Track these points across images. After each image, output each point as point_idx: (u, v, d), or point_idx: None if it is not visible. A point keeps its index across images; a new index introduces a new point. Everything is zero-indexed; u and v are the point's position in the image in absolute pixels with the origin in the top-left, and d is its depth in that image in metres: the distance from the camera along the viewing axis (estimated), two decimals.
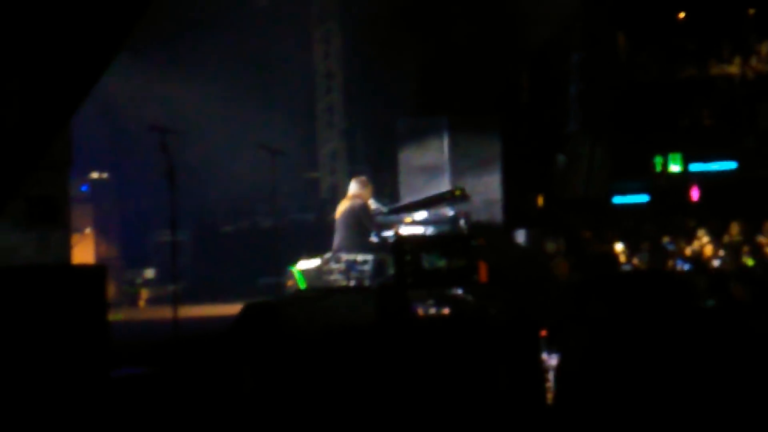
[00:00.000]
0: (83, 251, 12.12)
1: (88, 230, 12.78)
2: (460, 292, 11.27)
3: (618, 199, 19.31)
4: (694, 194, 18.98)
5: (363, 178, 11.65)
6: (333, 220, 11.39)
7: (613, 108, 18.36)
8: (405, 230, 11.65)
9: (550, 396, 4.13)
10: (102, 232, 13.08)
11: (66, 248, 7.32)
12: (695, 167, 19.06)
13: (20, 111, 4.92)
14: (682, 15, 19.94)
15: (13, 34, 4.91)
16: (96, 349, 5.26)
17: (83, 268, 7.12)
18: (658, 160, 19.29)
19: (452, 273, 9.50)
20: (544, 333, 4.50)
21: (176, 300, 8.49)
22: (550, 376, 4.28)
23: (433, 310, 9.35)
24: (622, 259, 13.50)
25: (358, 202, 11.04)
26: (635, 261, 13.21)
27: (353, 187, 11.29)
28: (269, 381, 5.62)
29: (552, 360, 4.35)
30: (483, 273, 9.94)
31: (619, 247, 14.07)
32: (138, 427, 4.89)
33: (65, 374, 5.06)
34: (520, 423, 4.01)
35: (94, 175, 13.26)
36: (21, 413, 4.90)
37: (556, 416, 3.83)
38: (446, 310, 9.26)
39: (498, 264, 10.98)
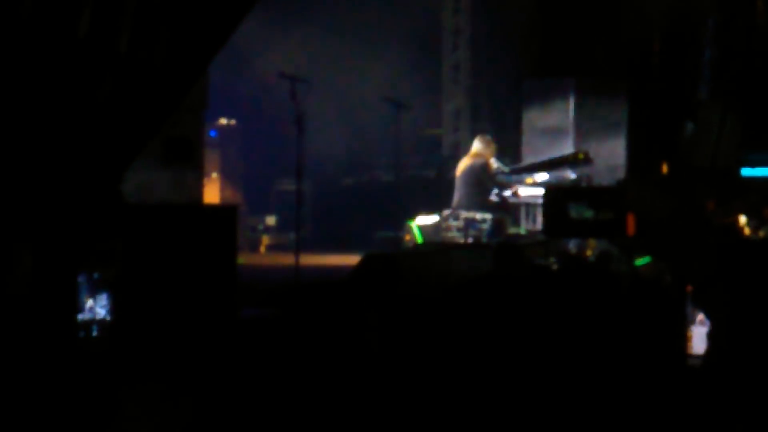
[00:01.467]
0: (209, 195, 12.41)
1: (214, 174, 13.07)
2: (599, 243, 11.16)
3: (747, 171, 18.78)
4: None
5: (487, 137, 11.63)
6: (453, 177, 11.41)
7: (747, 76, 17.81)
8: (525, 191, 11.60)
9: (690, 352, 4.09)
10: (227, 177, 13.36)
11: (199, 188, 7.52)
12: None
13: (166, 54, 5.08)
14: None
15: None
16: (227, 287, 5.42)
17: (217, 208, 7.33)
18: None
19: (599, 224, 9.42)
20: (689, 289, 4.44)
21: (297, 247, 8.65)
22: (695, 331, 4.23)
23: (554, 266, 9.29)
24: (746, 232, 13.16)
25: (480, 160, 11.04)
26: (761, 234, 12.86)
27: (476, 145, 11.28)
28: (389, 329, 5.69)
29: (698, 317, 4.30)
30: (631, 226, 9.82)
31: (743, 219, 13.72)
32: (264, 367, 5.02)
33: (199, 310, 5.23)
34: (658, 381, 3.98)
35: (223, 121, 13.52)
36: (156, 346, 5.09)
37: (701, 375, 3.80)
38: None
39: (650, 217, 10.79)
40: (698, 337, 4.62)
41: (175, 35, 5.08)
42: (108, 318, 5.80)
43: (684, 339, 4.29)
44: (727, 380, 3.40)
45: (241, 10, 5.43)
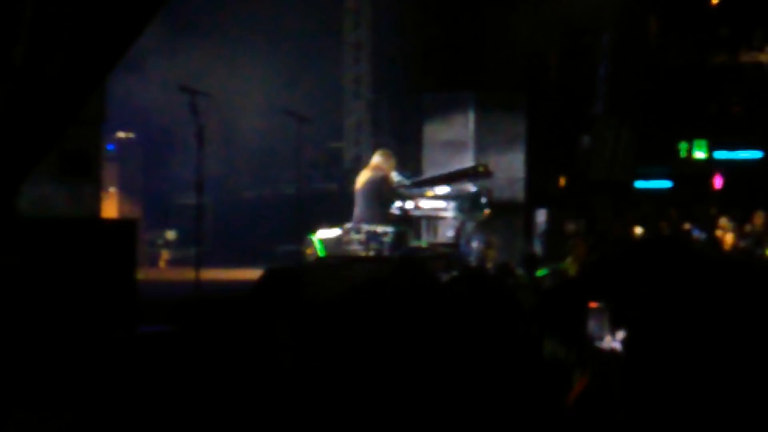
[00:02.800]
0: (108, 209, 12.19)
1: (112, 189, 12.85)
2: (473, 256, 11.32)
3: (641, 184, 19.25)
4: (717, 182, 18.92)
5: (387, 150, 11.67)
6: (354, 191, 11.43)
7: (640, 91, 18.28)
8: (426, 204, 11.68)
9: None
10: (126, 191, 13.14)
11: (97, 202, 7.39)
12: (720, 155, 18.99)
13: (62, 65, 4.98)
14: (715, 1, 19.80)
15: None
16: (125, 303, 5.32)
17: (115, 222, 7.20)
18: (683, 146, 19.22)
19: None
20: (593, 305, 4.48)
21: (198, 262, 8.54)
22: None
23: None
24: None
25: (380, 173, 11.06)
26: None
27: (376, 159, 11.31)
28: (293, 343, 5.65)
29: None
30: None
31: (639, 230, 14.07)
32: (163, 383, 4.94)
33: (94, 326, 5.12)
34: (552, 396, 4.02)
35: (121, 134, 13.31)
36: (49, 363, 4.96)
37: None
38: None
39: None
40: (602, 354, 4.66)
41: (72, 47, 4.98)
42: None
43: (578, 356, 4.35)
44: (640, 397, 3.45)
45: (140, 23, 5.35)
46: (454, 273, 9.54)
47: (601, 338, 4.39)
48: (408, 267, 7.11)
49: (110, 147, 13.08)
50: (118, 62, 5.37)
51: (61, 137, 5.35)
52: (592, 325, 4.49)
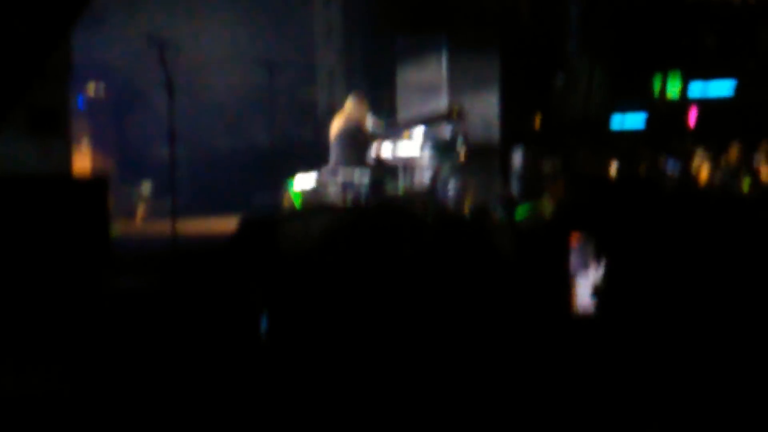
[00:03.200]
0: (80, 164, 12.08)
1: (84, 143, 12.72)
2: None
3: (616, 121, 19.24)
4: (692, 119, 18.94)
5: (359, 94, 11.61)
6: (328, 138, 11.37)
7: (613, 28, 18.20)
8: (401, 149, 11.65)
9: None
10: (99, 146, 13.03)
11: (67, 159, 7.29)
12: (695, 87, 18.96)
13: (23, 19, 4.88)
14: None
15: None
16: (98, 260, 5.28)
17: (85, 180, 7.12)
18: (657, 81, 19.18)
19: None
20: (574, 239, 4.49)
21: (173, 214, 8.49)
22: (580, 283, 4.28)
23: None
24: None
25: (354, 119, 11.00)
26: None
27: (349, 104, 11.25)
28: (270, 293, 5.65)
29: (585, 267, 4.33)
30: None
31: (614, 167, 14.08)
32: (141, 339, 4.93)
33: (68, 285, 5.08)
34: (541, 335, 4.03)
35: (92, 87, 13.15)
36: (26, 326, 4.94)
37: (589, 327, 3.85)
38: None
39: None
40: (583, 288, 4.67)
41: (30, 3, 4.88)
42: None
43: (567, 290, 4.35)
44: (620, 330, 3.47)
45: None
46: (430, 217, 9.56)
47: (583, 273, 4.41)
48: (385, 214, 7.11)
49: (80, 101, 12.93)
50: (79, 15, 5.26)
51: (27, 93, 5.26)
52: (573, 261, 4.50)
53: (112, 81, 13.47)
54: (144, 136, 13.54)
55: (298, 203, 11.23)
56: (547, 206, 10.81)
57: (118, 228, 11.19)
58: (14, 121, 6.00)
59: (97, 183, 5.90)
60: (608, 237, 3.79)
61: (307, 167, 11.66)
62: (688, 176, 13.06)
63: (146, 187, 13.65)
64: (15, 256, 5.04)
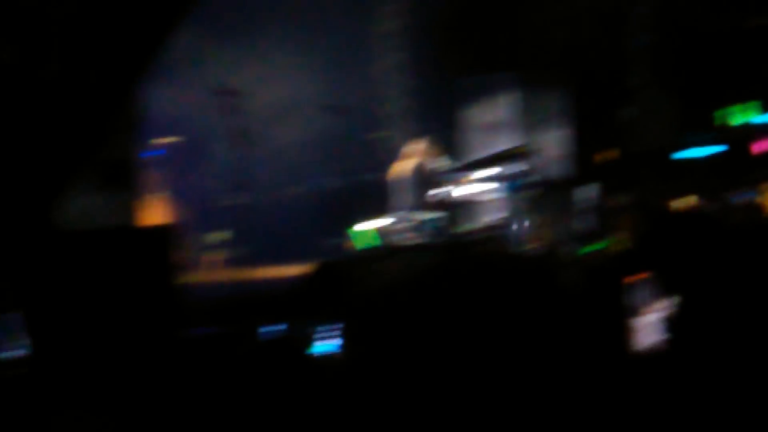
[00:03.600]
0: (153, 214, 12.28)
1: (159, 193, 12.94)
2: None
3: (686, 153, 19.01)
4: (764, 145, 18.63)
5: (424, 139, 11.67)
6: (396, 180, 11.43)
7: (680, 58, 18.04)
8: (468, 189, 11.65)
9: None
10: (173, 195, 13.24)
11: (138, 210, 7.43)
12: (764, 118, 18.68)
13: (96, 76, 5.01)
14: None
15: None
16: (170, 309, 5.35)
17: (154, 229, 7.24)
18: (728, 111, 18.94)
19: None
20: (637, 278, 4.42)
21: (245, 261, 8.59)
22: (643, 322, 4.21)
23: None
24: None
25: (420, 160, 11.06)
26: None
27: (414, 148, 11.31)
28: (343, 337, 5.64)
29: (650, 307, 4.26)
30: None
31: (685, 200, 13.89)
32: (214, 385, 4.97)
33: (139, 335, 5.16)
34: (599, 376, 3.97)
35: (165, 138, 13.40)
36: (97, 375, 5.01)
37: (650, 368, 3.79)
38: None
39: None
40: (648, 328, 4.61)
41: (105, 58, 5.02)
42: (28, 354, 5.64)
43: (626, 330, 4.29)
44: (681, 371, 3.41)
45: (164, 32, 5.37)
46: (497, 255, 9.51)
47: (645, 311, 4.34)
48: (453, 254, 7.08)
49: (156, 152, 13.18)
50: (149, 69, 5.39)
51: (99, 148, 5.39)
52: (635, 298, 4.44)
53: (183, 130, 13.70)
54: (216, 184, 13.72)
55: (368, 247, 11.29)
56: (620, 241, 10.71)
57: (189, 276, 11.36)
58: (85, 175, 6.14)
59: (165, 232, 6.01)
60: (675, 273, 3.74)
61: (375, 210, 11.72)
62: (759, 207, 12.83)
63: (218, 236, 13.82)
64: (84, 307, 5.13)
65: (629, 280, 4.66)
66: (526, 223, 11.74)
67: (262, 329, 5.52)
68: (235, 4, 13.91)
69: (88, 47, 5.01)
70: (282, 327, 5.47)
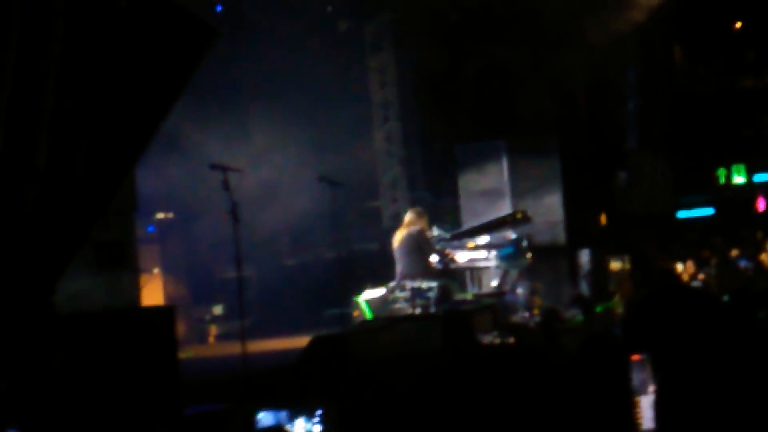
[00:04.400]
0: (152, 291, 12.29)
1: (156, 270, 12.95)
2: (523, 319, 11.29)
3: (682, 214, 19.08)
4: (761, 205, 18.69)
5: (418, 208, 11.71)
6: (395, 249, 11.43)
7: (672, 122, 18.19)
8: (467, 256, 11.67)
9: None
10: (170, 271, 13.24)
11: (135, 290, 7.43)
12: (760, 177, 18.78)
13: (87, 161, 5.06)
14: (738, 25, 19.69)
15: (78, 87, 5.05)
16: (168, 387, 5.34)
17: (153, 310, 7.25)
18: (722, 172, 19.04)
19: None
20: (636, 357, 4.42)
21: (244, 335, 8.57)
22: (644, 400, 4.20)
23: (497, 340, 9.40)
24: (689, 272, 13.29)
25: (416, 228, 11.07)
26: (701, 276, 13.02)
27: (409, 216, 11.35)
28: (341, 410, 5.65)
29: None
30: None
31: (682, 263, 13.87)
32: None
33: (140, 414, 5.14)
34: None
35: (160, 215, 13.43)
36: None
37: None
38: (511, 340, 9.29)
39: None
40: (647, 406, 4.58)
41: (94, 146, 5.07)
42: None
43: (629, 406, 4.28)
44: None
45: (154, 122, 5.43)
46: (496, 333, 9.53)
47: (645, 391, 4.34)
48: (454, 326, 7.03)
49: (150, 229, 13.20)
50: (141, 153, 5.44)
51: (94, 230, 5.42)
52: (635, 378, 4.43)
53: (179, 206, 13.75)
54: (214, 258, 13.73)
55: (368, 316, 11.26)
56: (618, 306, 10.68)
57: (189, 351, 11.31)
58: (81, 257, 6.15)
59: (164, 311, 6.02)
60: (666, 353, 3.75)
61: (375, 279, 11.71)
62: (760, 270, 12.83)
63: (217, 310, 13.80)
64: (86, 389, 5.12)
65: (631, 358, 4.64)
66: (523, 290, 11.74)
67: (255, 411, 5.51)
68: (229, 81, 14.06)
69: (73, 139, 5.03)
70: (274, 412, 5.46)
